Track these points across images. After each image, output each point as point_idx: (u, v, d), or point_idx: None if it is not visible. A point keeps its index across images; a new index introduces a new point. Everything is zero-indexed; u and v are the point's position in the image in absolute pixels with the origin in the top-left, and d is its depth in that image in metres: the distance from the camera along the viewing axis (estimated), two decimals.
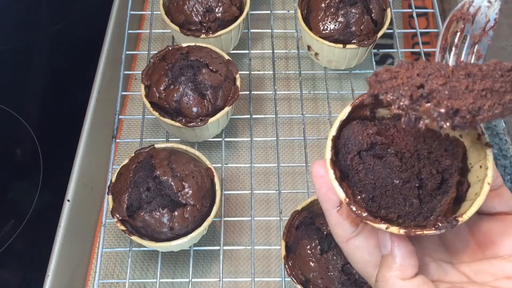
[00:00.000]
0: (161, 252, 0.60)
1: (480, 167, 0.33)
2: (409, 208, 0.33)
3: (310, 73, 0.77)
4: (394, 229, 0.31)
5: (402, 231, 0.31)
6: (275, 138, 0.67)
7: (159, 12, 0.71)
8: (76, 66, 0.80)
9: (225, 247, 0.61)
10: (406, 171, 0.33)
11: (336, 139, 0.34)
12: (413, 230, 0.31)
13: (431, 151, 0.34)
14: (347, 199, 0.32)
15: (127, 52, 0.72)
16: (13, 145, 0.74)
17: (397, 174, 0.33)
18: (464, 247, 0.35)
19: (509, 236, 0.34)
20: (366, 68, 0.75)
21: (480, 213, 0.34)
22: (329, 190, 0.34)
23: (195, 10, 0.68)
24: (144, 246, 0.58)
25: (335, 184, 0.33)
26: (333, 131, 0.34)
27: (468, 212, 0.32)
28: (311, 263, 0.53)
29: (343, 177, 0.34)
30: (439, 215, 0.33)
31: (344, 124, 0.35)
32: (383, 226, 0.32)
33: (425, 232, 0.31)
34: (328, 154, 0.33)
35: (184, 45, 0.65)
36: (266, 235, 0.66)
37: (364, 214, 0.32)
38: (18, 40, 0.84)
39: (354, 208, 0.32)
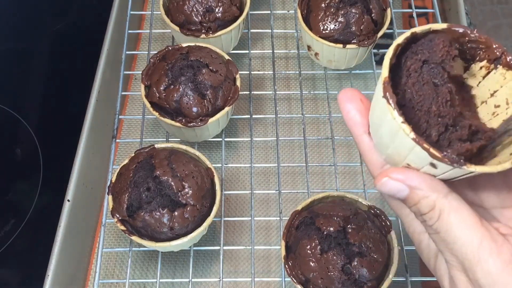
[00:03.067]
0: (161, 252, 0.60)
1: None
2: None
3: (310, 73, 0.77)
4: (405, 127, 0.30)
5: (411, 134, 0.29)
6: (275, 138, 0.67)
7: (159, 12, 0.71)
8: (76, 66, 0.80)
9: (225, 247, 0.61)
10: (452, 107, 0.32)
11: (398, 47, 0.33)
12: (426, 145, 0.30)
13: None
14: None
15: (127, 52, 0.72)
16: (13, 145, 0.74)
17: (439, 104, 0.31)
18: (496, 193, 0.35)
19: None
20: (366, 68, 0.75)
21: None
22: (358, 112, 0.33)
23: (195, 10, 0.68)
24: (144, 246, 0.58)
25: (388, 86, 0.30)
26: (400, 39, 0.33)
27: (492, 165, 0.31)
28: (311, 263, 0.53)
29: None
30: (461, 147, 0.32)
31: (414, 39, 0.33)
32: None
33: (431, 150, 0.29)
34: (389, 55, 0.32)
35: (184, 45, 0.65)
36: (266, 235, 0.66)
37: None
38: (18, 40, 0.84)
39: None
